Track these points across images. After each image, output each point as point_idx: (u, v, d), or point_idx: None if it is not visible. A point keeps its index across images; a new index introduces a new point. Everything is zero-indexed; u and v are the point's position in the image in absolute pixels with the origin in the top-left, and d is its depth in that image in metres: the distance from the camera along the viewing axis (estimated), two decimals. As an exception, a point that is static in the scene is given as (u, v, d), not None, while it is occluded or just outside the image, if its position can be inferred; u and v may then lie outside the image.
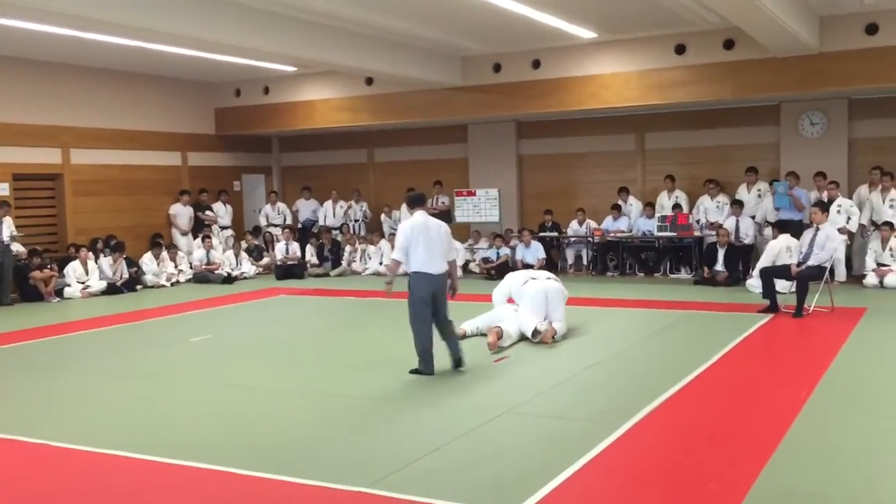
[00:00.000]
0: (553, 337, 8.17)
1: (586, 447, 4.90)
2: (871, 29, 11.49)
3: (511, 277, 9.02)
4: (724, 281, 12.05)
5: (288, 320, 10.70)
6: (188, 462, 4.92)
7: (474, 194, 15.41)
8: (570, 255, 14.91)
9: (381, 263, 15.19)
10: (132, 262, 13.98)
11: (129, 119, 15.39)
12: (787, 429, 5.20)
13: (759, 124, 13.99)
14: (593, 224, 14.38)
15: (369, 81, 15.15)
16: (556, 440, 5.18)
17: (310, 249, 15.83)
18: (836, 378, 6.54)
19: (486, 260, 14.46)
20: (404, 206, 15.89)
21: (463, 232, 15.71)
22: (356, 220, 16.61)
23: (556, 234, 14.68)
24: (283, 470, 4.71)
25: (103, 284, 13.26)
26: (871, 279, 11.57)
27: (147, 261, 14.22)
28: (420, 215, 7.04)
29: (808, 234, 9.89)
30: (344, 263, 15.61)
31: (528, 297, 8.40)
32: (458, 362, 7.06)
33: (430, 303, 6.86)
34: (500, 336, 8.05)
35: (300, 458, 4.97)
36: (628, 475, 4.58)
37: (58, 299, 12.76)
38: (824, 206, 10.12)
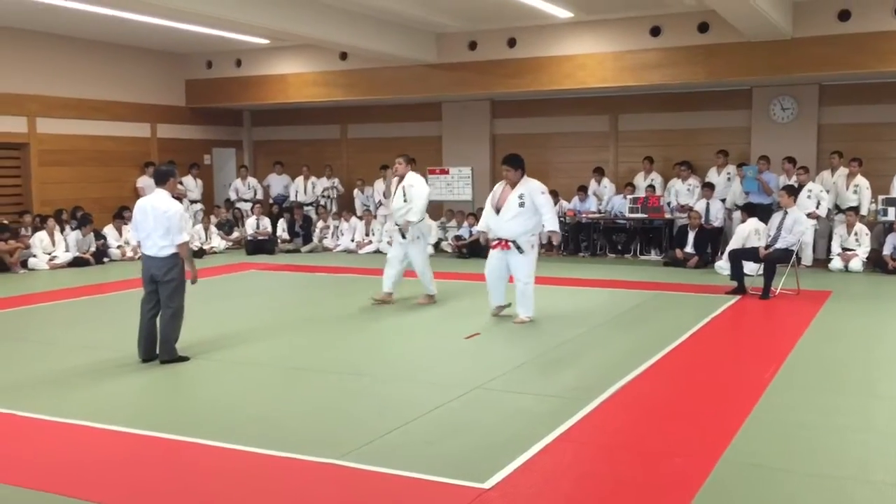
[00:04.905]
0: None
1: (556, 422, 4.94)
2: (844, 15, 11.60)
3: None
4: (694, 264, 12.17)
5: (257, 295, 10.63)
6: (154, 433, 4.88)
7: (447, 172, 15.38)
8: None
9: (352, 240, 15.13)
10: (99, 235, 13.79)
11: (98, 89, 15.12)
12: (753, 406, 5.29)
13: (731, 108, 14.10)
14: (566, 205, 14.42)
15: (343, 56, 15.01)
16: (526, 415, 5.21)
17: (281, 225, 15.72)
18: (801, 358, 6.65)
19: (458, 238, 14.47)
20: (376, 183, 15.86)
21: (436, 210, 15.69)
22: (328, 197, 16.50)
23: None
24: (253, 442, 4.69)
25: (70, 256, 13.08)
26: (836, 263, 11.75)
27: (108, 231, 14.04)
28: (148, 197, 6.75)
29: (776, 218, 10.01)
30: (315, 239, 15.53)
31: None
32: (160, 357, 6.63)
33: (147, 282, 6.67)
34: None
35: (269, 431, 4.95)
36: (597, 449, 4.63)
37: (24, 270, 12.57)
38: (792, 190, 10.24)
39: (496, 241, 8.16)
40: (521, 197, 7.92)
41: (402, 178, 9.17)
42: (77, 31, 14.06)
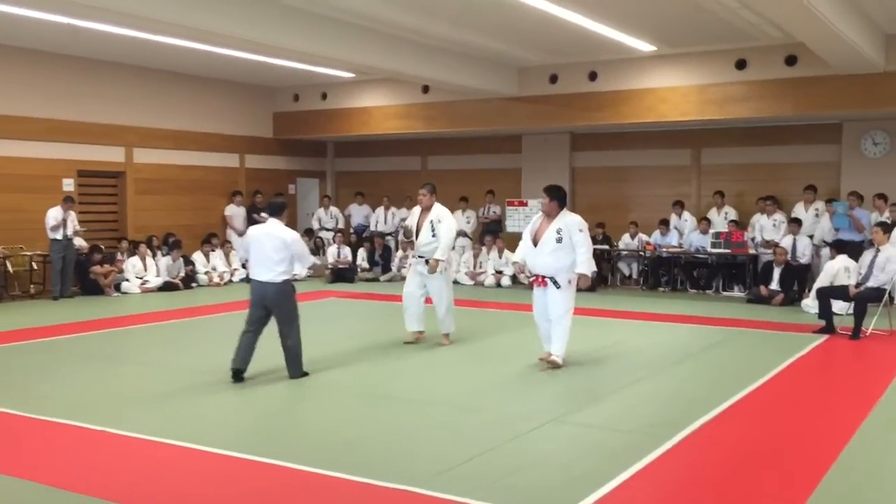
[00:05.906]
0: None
1: (634, 458, 4.87)
2: (941, 48, 11.23)
3: None
4: (780, 302, 11.83)
5: (338, 322, 10.81)
6: (238, 454, 5.02)
7: (526, 204, 15.39)
8: (623, 268, 14.86)
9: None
10: (188, 261, 14.31)
11: (192, 121, 15.77)
12: (842, 449, 5.10)
13: (819, 142, 13.74)
14: (646, 238, 14.26)
15: (426, 89, 15.27)
16: (603, 450, 5.16)
17: (361, 254, 15.99)
18: (893, 401, 6.38)
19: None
20: (458, 213, 15.94)
21: (513, 241, 15.68)
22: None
23: (607, 247, 14.59)
24: (331, 465, 4.77)
25: (160, 280, 13.60)
26: (932, 304, 11.24)
27: (197, 258, 14.56)
28: (263, 226, 7.28)
29: (867, 255, 9.68)
30: (394, 269, 15.73)
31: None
32: (291, 374, 7.09)
33: (257, 306, 7.03)
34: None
35: (348, 455, 5.03)
36: (676, 488, 4.54)
37: (117, 294, 13.12)
38: (886, 228, 9.90)
39: (533, 277, 7.64)
40: (558, 231, 7.35)
41: (427, 209, 8.67)
42: (173, 66, 14.72)
